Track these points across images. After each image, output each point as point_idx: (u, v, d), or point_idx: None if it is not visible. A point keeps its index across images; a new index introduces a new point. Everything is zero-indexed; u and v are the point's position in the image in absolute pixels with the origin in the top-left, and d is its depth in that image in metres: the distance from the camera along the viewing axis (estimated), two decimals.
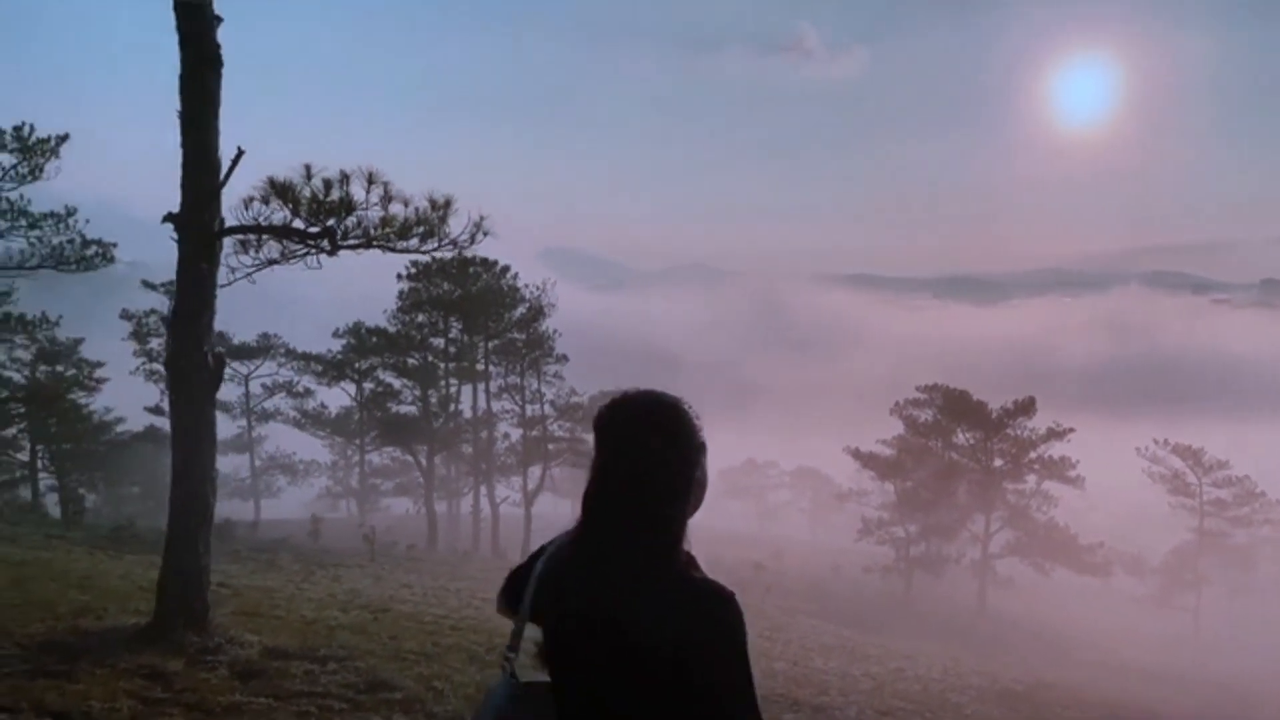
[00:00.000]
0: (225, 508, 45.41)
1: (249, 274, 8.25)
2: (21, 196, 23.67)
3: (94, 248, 23.96)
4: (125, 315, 44.00)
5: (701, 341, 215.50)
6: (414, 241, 8.20)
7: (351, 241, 8.02)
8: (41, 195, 23.71)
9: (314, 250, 8.10)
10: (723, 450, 77.96)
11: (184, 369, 7.91)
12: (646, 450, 1.79)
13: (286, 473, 53.60)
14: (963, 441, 44.97)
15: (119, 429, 43.99)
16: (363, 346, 41.30)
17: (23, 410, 38.43)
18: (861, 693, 13.29)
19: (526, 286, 39.88)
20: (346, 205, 7.73)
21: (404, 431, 37.27)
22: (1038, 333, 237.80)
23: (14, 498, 32.97)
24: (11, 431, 39.01)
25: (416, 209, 8.07)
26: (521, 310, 38.36)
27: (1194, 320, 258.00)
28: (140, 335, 43.78)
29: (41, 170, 23.24)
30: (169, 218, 7.86)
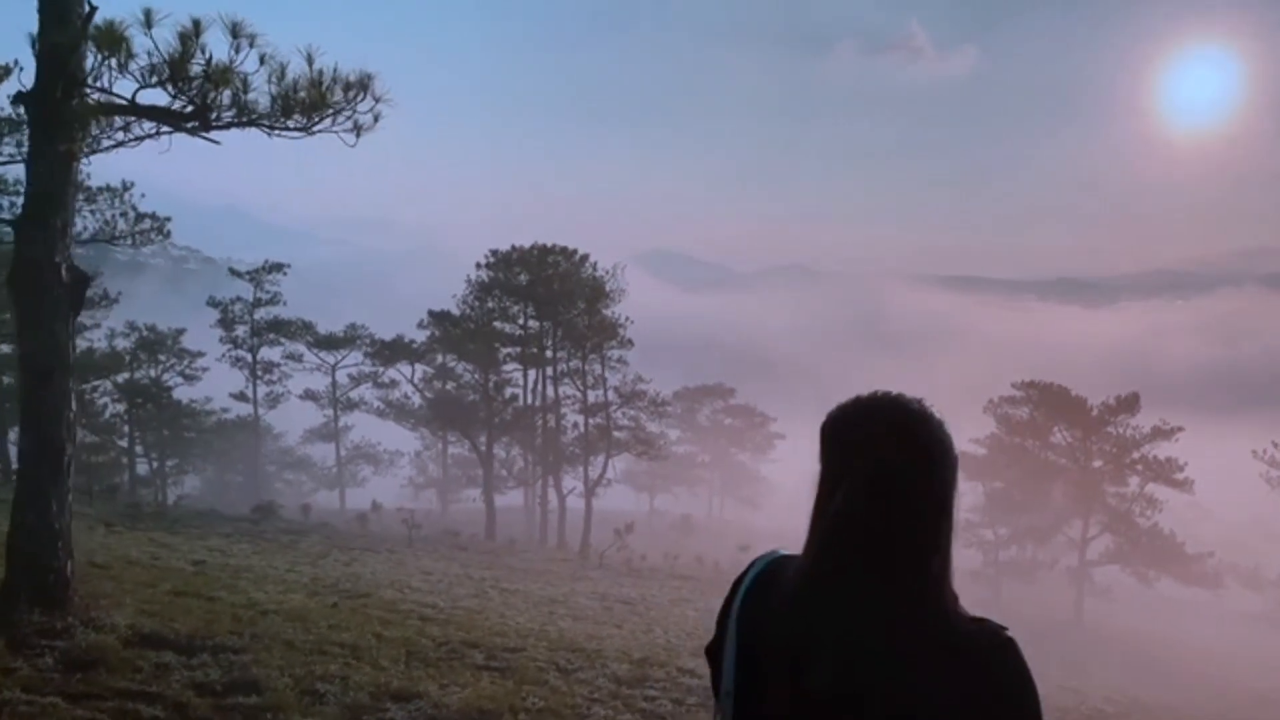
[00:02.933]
0: (316, 496, 45.53)
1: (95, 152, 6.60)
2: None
3: (147, 221, 23.29)
4: (212, 302, 44.21)
5: (797, 341, 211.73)
6: (305, 119, 6.44)
7: (226, 120, 6.32)
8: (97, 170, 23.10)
9: (182, 130, 6.43)
10: (813, 450, 76.34)
11: (31, 283, 6.32)
12: (905, 465, 1.46)
13: (370, 462, 53.72)
14: (1060, 440, 42.01)
15: (212, 416, 44.28)
16: (448, 337, 40.22)
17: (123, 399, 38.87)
18: None
19: (604, 273, 38.30)
20: (222, 75, 6.00)
21: (456, 414, 35.97)
22: (1145, 336, 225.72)
23: (115, 484, 33.04)
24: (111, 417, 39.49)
25: (312, 79, 6.32)
26: (588, 294, 36.58)
27: None
28: (227, 323, 43.91)
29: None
30: (18, 97, 6.30)
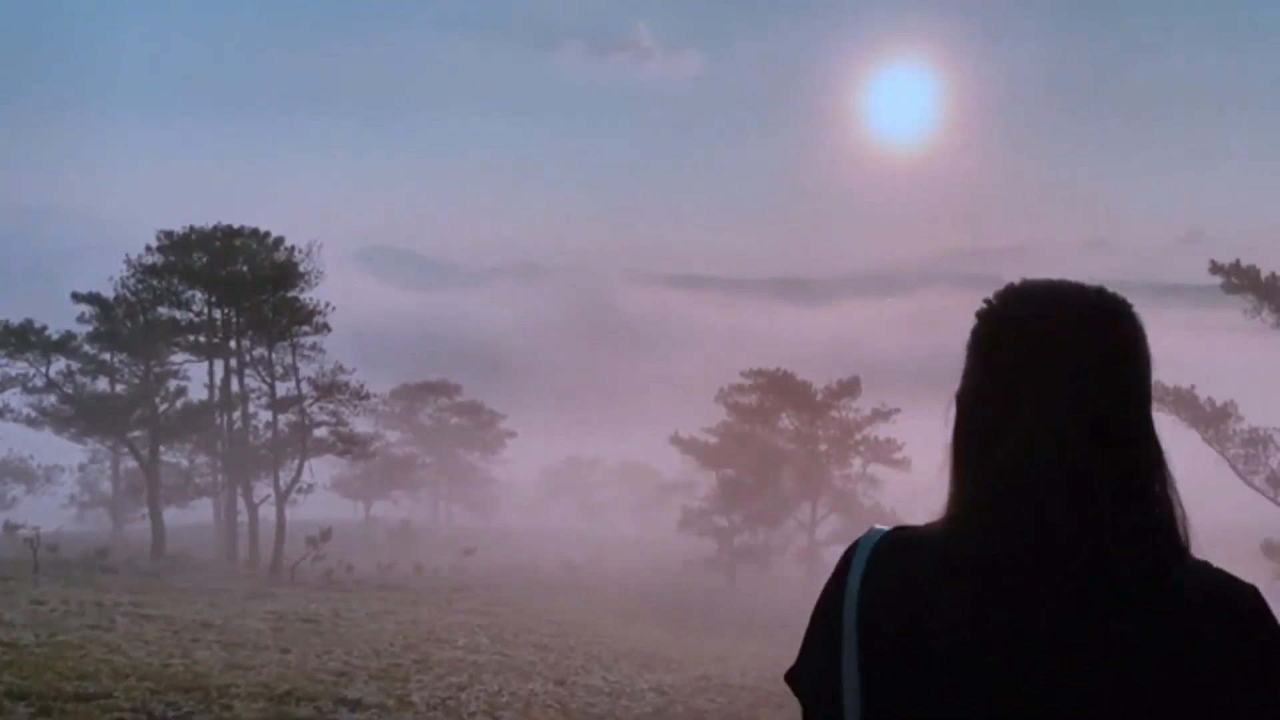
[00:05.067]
0: None
1: None
2: None
3: None
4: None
5: (526, 339, 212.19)
6: None
7: None
8: None
9: None
10: (546, 449, 76.05)
11: None
12: (1121, 359, 1.14)
13: (22, 479, 47.06)
14: (787, 426, 43.78)
15: None
16: (105, 326, 34.74)
17: None
18: (637, 716, 9.57)
19: (300, 253, 34.62)
20: None
21: (101, 415, 31.06)
22: (859, 331, 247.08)
23: None
24: None
25: None
26: (276, 276, 32.78)
27: None
28: None
29: None
30: None
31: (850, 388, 42.99)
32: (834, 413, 42.61)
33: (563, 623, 21.60)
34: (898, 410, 42.54)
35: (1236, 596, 1.08)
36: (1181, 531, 1.10)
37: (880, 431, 42.09)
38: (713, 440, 43.82)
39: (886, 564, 1.16)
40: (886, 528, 1.22)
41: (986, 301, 1.21)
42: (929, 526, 1.18)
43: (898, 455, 41.54)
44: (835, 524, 41.27)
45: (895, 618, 1.11)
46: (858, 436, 42.24)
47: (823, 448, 42.68)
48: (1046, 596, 1.05)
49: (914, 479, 43.17)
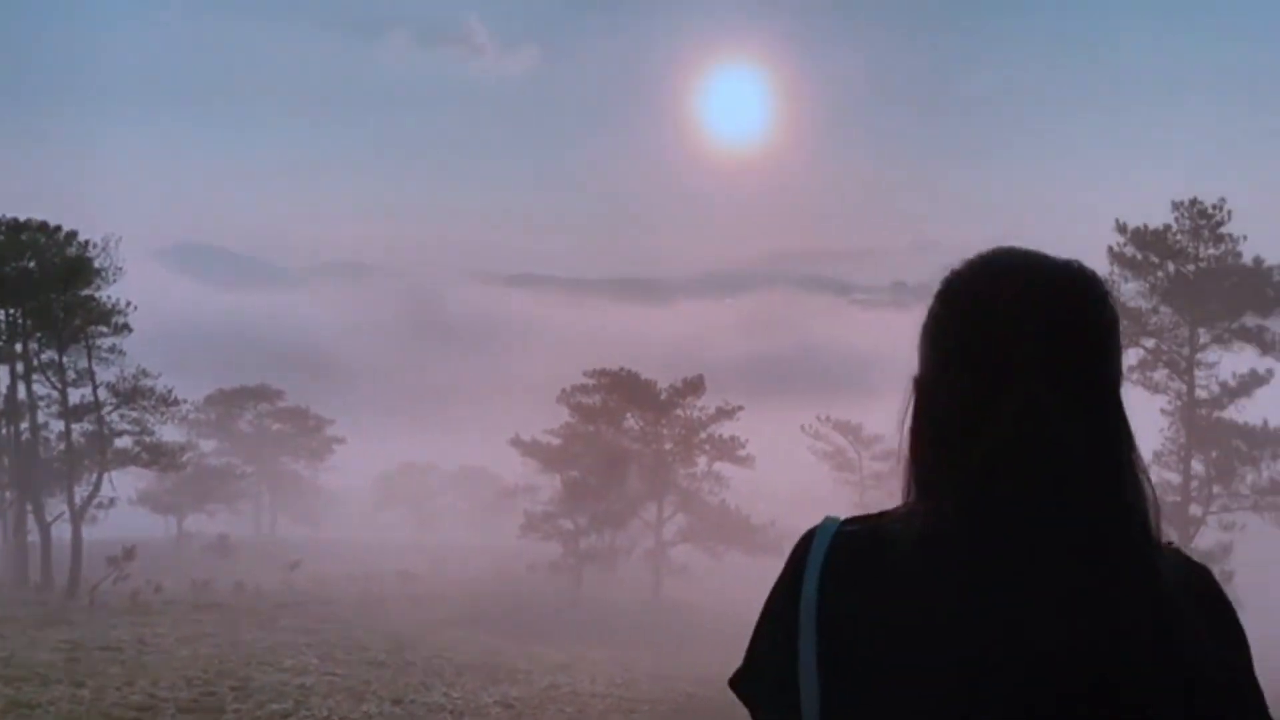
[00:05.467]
0: None
1: None
2: None
3: None
4: None
5: (354, 341, 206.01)
6: None
7: None
8: None
9: None
10: (378, 455, 73.91)
11: None
12: (1099, 347, 1.12)
13: None
14: (632, 425, 43.79)
15: None
16: None
17: None
18: None
19: (94, 248, 32.01)
20: None
21: None
22: (700, 331, 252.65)
23: None
24: None
25: None
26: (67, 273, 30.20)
27: (836, 318, 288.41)
28: None
29: None
30: None
31: (694, 386, 43.39)
32: (678, 411, 42.93)
33: (400, 637, 20.73)
34: (741, 408, 43.37)
35: (1202, 579, 1.11)
36: (1153, 515, 1.08)
37: (724, 429, 42.61)
38: (555, 442, 43.46)
39: (848, 557, 1.11)
40: (839, 517, 1.17)
41: (955, 273, 1.13)
42: (889, 517, 1.12)
43: (742, 453, 42.18)
44: (681, 523, 41.62)
45: (862, 615, 1.07)
46: (702, 435, 42.66)
47: (668, 447, 42.92)
48: (1039, 589, 1.03)
49: (757, 476, 44.34)
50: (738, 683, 1.19)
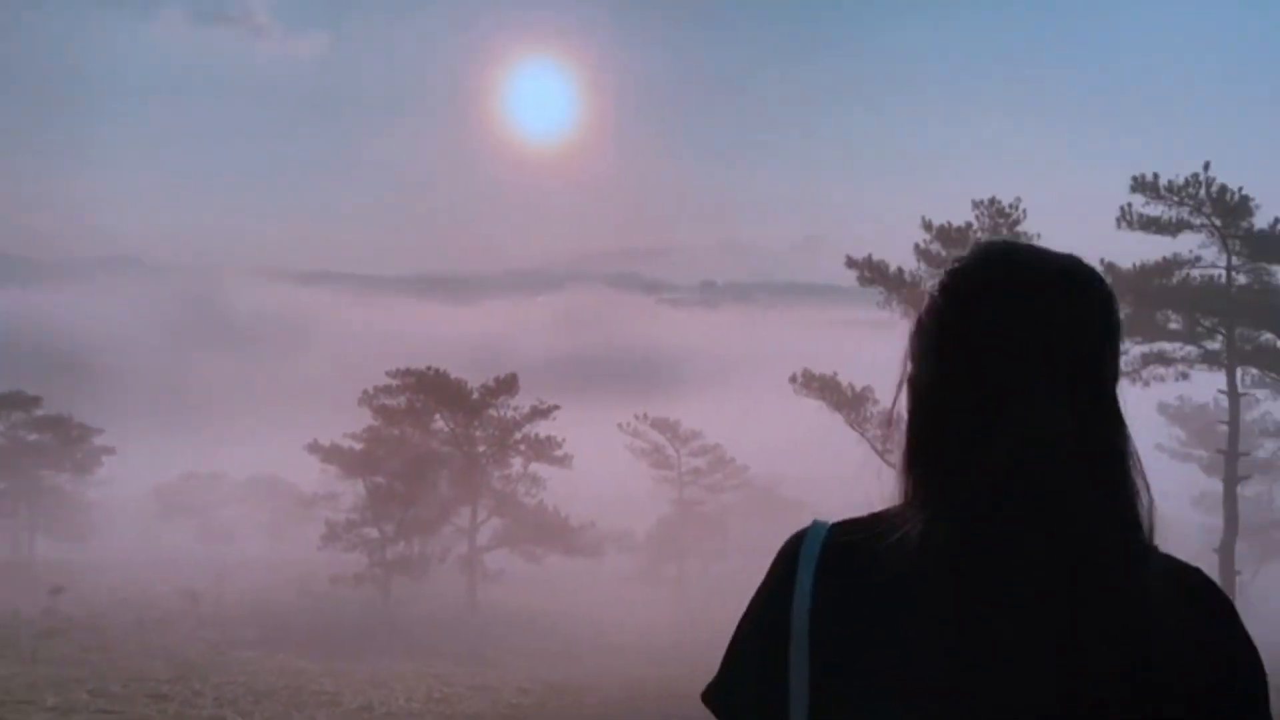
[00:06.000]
0: None
1: None
2: None
3: None
4: None
5: (125, 342, 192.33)
6: None
7: None
8: None
9: None
10: (155, 466, 69.16)
11: None
12: (1106, 346, 1.13)
13: None
14: (442, 427, 43.02)
15: None
16: None
17: None
18: None
19: None
20: None
21: None
22: (509, 330, 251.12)
23: None
24: None
25: None
26: None
27: (646, 316, 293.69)
28: None
29: None
30: None
31: (507, 385, 42.93)
32: (491, 412, 42.47)
33: (186, 663, 19.20)
34: (557, 407, 43.25)
35: (1194, 581, 1.11)
36: (1147, 517, 1.10)
37: (540, 429, 42.42)
38: (357, 446, 41.97)
39: (843, 567, 1.11)
40: (826, 521, 1.16)
41: (958, 269, 1.12)
42: (883, 523, 1.10)
43: (559, 453, 42.13)
44: (497, 527, 41.13)
45: (856, 627, 1.07)
46: (517, 435, 42.35)
47: (481, 448, 42.43)
48: (1043, 597, 1.04)
49: (575, 476, 44.41)
50: (712, 695, 1.14)
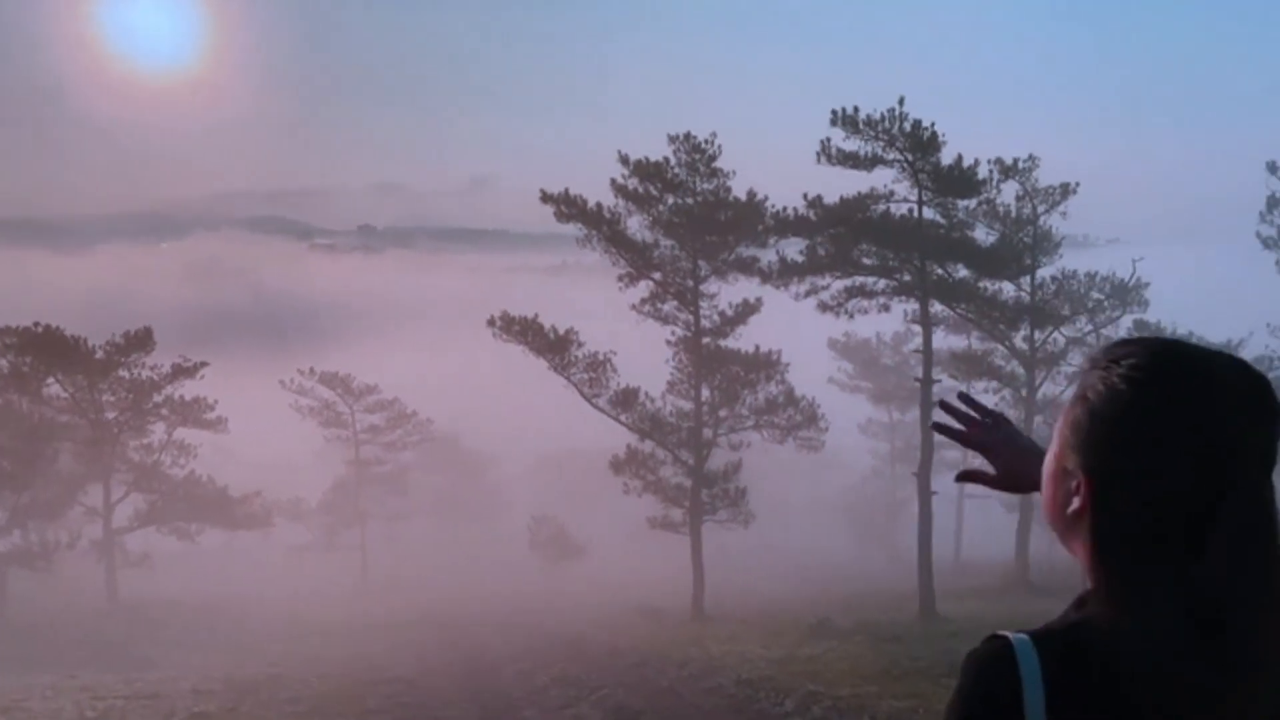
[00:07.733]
0: None
1: None
2: None
3: None
4: None
5: None
6: None
7: None
8: None
9: None
10: None
11: None
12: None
13: None
14: (58, 393, 39.23)
15: None
16: None
17: None
18: None
19: None
20: None
21: None
22: (130, 279, 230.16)
23: None
24: None
25: None
26: None
27: (298, 263, 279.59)
28: None
29: None
30: None
31: (141, 341, 39.52)
32: (122, 373, 39.14)
33: None
34: (205, 364, 40.29)
35: None
36: None
37: (185, 390, 39.63)
38: None
39: (1071, 682, 1.11)
40: (1023, 635, 1.15)
41: (1152, 364, 1.15)
42: (1091, 628, 1.14)
43: (210, 415, 39.78)
44: (139, 504, 38.53)
45: None
46: (158, 398, 39.42)
47: (111, 415, 39.27)
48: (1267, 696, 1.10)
49: (232, 441, 41.59)
50: None
